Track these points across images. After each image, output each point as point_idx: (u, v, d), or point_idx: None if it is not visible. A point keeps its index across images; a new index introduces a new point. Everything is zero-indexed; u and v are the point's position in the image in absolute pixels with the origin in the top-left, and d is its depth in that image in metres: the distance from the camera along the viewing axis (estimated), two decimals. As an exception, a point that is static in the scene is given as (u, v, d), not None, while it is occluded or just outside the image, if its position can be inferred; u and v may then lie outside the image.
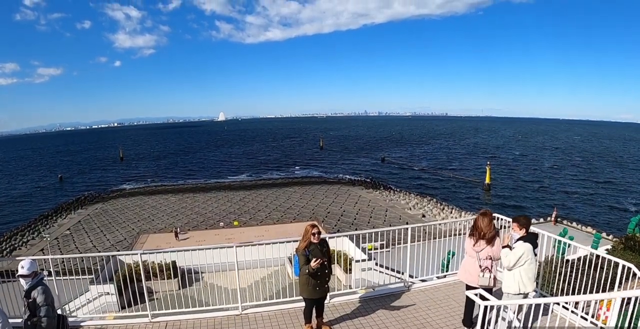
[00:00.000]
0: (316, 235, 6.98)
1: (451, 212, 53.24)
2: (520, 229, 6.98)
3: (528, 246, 6.76)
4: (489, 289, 6.66)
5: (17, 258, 6.27)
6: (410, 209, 55.82)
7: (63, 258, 7.95)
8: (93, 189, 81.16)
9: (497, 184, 75.50)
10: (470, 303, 7.19)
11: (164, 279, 16.99)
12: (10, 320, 6.08)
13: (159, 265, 17.19)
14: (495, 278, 7.10)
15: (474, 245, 7.26)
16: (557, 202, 59.96)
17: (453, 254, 11.22)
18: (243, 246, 7.93)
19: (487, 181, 71.32)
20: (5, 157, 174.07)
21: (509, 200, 64.56)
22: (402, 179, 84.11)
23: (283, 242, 8.15)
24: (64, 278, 8.09)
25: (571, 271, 7.62)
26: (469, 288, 7.13)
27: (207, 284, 17.65)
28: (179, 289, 17.81)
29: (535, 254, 7.01)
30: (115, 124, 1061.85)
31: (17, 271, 5.61)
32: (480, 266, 7.16)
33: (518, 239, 6.93)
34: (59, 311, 6.33)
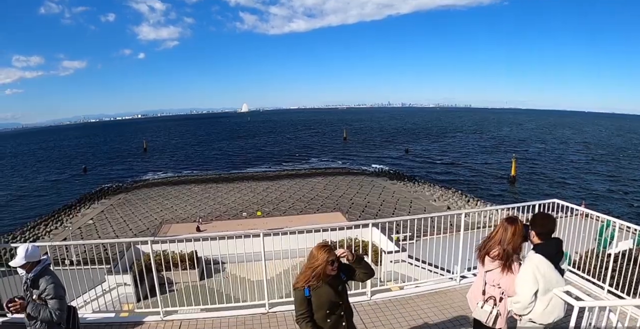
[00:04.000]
0: (334, 265, 4.24)
1: (477, 205, 52.14)
2: (537, 236, 4.86)
3: (537, 259, 4.59)
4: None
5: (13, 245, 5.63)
6: (435, 200, 55.06)
7: (64, 245, 7.32)
8: (117, 180, 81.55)
9: (523, 177, 73.61)
10: None
11: (185, 269, 16.57)
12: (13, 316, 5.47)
13: (180, 255, 16.72)
14: (503, 319, 4.84)
15: (481, 260, 4.98)
16: (585, 195, 58.16)
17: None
18: (272, 233, 7.12)
19: (513, 173, 70.09)
20: (30, 149, 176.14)
21: (535, 193, 61.98)
22: (426, 171, 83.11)
23: (311, 230, 7.31)
24: (78, 267, 7.44)
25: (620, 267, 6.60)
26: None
27: (230, 275, 17.19)
28: (200, 280, 17.36)
29: (562, 272, 4.81)
30: (139, 116, 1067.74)
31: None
32: (483, 291, 4.97)
33: (531, 250, 4.82)
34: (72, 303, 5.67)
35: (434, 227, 12.16)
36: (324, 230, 6.92)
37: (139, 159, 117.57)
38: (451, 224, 8.39)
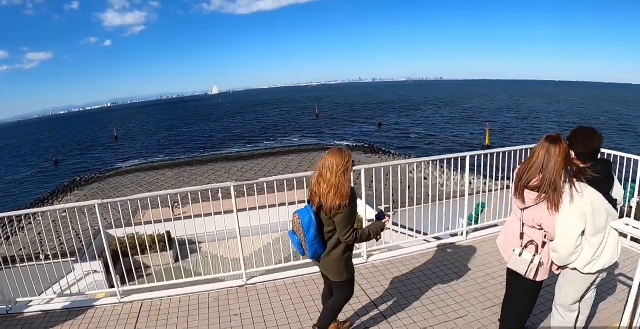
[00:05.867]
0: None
1: (452, 175, 52.09)
2: (578, 157, 3.94)
3: (592, 196, 3.57)
4: (530, 281, 4.00)
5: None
6: (411, 172, 54.88)
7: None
8: (89, 170, 79.59)
9: (497, 146, 72.78)
10: (513, 290, 4.39)
11: (158, 252, 16.09)
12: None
13: (152, 237, 16.31)
14: (546, 269, 3.93)
15: (517, 196, 3.91)
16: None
17: (484, 207, 9.87)
18: (247, 208, 6.76)
19: (487, 143, 70.35)
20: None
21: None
22: (401, 144, 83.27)
23: (285, 205, 6.92)
24: (39, 263, 6.99)
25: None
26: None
27: (207, 255, 16.79)
28: (175, 262, 16.95)
29: (614, 203, 3.90)
30: (109, 105, 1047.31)
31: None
32: (521, 234, 4.02)
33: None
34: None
35: (413, 198, 11.90)
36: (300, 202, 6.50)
37: (110, 147, 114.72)
38: (427, 194, 7.99)
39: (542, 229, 3.78)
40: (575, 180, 3.66)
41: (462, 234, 7.79)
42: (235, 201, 6.52)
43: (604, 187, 3.66)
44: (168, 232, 16.27)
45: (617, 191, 3.99)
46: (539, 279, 3.93)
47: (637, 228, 3.65)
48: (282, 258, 7.34)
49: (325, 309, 4.69)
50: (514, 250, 4.00)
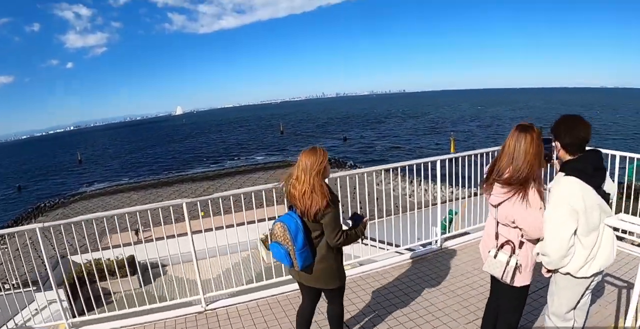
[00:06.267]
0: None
1: (419, 185, 52.33)
2: (565, 149, 3.41)
3: (570, 183, 3.23)
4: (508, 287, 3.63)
5: None
6: (378, 184, 54.81)
7: None
8: (54, 196, 77.87)
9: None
10: (495, 297, 4.02)
11: (123, 277, 15.69)
12: None
13: (116, 262, 15.77)
14: (526, 273, 3.54)
15: (486, 192, 3.61)
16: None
17: (456, 213, 9.53)
18: (203, 232, 6.27)
19: (452, 152, 70.61)
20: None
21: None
22: (367, 157, 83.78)
23: (243, 224, 6.47)
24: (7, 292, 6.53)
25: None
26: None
27: (172, 278, 16.32)
28: (140, 287, 16.41)
29: (608, 199, 3.42)
30: (72, 128, 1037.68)
31: None
32: (496, 233, 3.66)
33: (559, 172, 3.45)
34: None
35: (382, 210, 11.66)
36: (270, 219, 6.05)
37: (74, 172, 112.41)
38: (396, 206, 7.68)
39: (516, 227, 3.43)
40: (563, 173, 3.33)
41: (435, 243, 7.47)
42: (188, 220, 6.17)
43: (595, 180, 3.28)
44: (132, 256, 15.81)
45: (609, 184, 3.51)
46: (516, 284, 3.56)
47: (635, 223, 3.37)
48: (244, 280, 6.84)
49: (332, 324, 4.37)
50: (489, 251, 3.66)
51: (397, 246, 7.73)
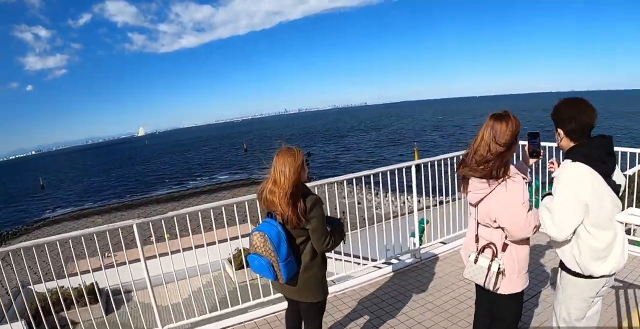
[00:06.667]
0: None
1: (385, 196, 52.47)
2: (569, 136, 3.02)
3: (577, 170, 2.84)
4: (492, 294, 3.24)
5: None
6: (344, 197, 54.80)
7: None
8: (15, 223, 76.39)
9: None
10: (480, 304, 3.66)
11: (85, 305, 15.09)
12: None
13: (77, 290, 15.20)
14: (511, 279, 3.12)
15: (463, 189, 3.32)
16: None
17: (427, 222, 9.13)
18: (158, 257, 5.78)
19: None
20: None
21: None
22: (332, 171, 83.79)
23: (202, 246, 6.16)
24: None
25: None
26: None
27: (136, 304, 15.77)
28: (106, 315, 15.86)
29: (618, 191, 2.96)
30: (33, 152, 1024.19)
31: None
32: (476, 236, 3.29)
33: (565, 159, 3.02)
34: None
35: (355, 224, 11.35)
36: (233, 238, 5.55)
37: (36, 198, 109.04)
38: (363, 218, 7.35)
39: (498, 227, 3.06)
40: (570, 160, 2.94)
41: (414, 255, 7.07)
42: (140, 243, 5.61)
43: (605, 167, 2.88)
44: (95, 283, 15.17)
45: (619, 175, 3.06)
46: (502, 291, 3.16)
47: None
48: (209, 306, 6.24)
49: None
50: (469, 256, 3.26)
51: (373, 260, 7.30)
